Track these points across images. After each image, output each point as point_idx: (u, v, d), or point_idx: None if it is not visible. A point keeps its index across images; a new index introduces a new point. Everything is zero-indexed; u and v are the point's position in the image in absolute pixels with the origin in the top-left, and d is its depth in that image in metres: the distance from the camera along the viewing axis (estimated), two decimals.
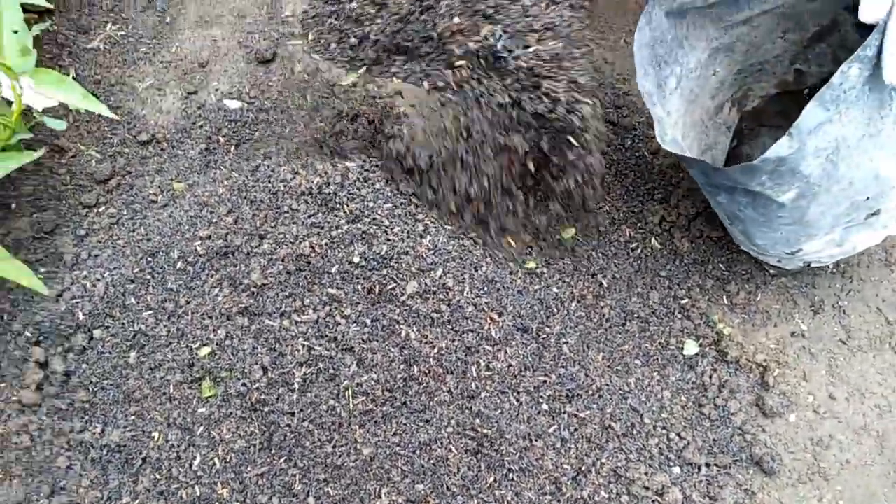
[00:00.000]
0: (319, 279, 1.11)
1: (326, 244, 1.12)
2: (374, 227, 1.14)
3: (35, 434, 1.15)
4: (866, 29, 1.26)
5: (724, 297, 1.36)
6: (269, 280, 1.12)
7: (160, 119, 1.57)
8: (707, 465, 1.19)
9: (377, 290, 1.11)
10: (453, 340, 1.11)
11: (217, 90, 1.62)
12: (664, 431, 1.20)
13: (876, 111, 1.04)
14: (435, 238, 1.16)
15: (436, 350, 1.09)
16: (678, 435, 1.19)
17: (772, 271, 1.37)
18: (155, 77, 1.64)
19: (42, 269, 1.33)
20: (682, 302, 1.33)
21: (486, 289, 1.16)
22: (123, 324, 1.20)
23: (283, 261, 1.13)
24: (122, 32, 1.69)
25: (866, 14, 1.01)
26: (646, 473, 1.15)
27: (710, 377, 1.27)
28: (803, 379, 1.28)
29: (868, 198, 1.15)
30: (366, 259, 1.11)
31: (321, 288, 1.11)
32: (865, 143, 1.06)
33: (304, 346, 1.08)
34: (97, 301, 1.24)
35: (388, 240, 1.13)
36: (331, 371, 1.08)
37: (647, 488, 1.14)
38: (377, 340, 1.09)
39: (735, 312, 1.34)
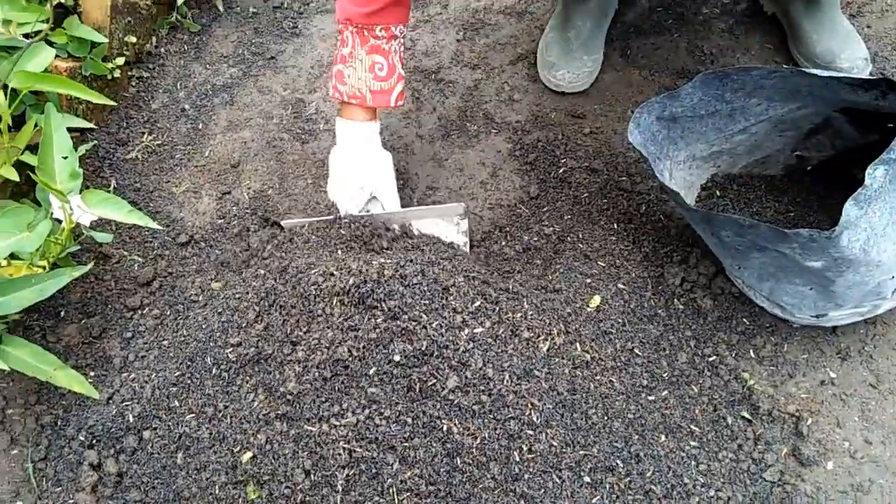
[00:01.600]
0: (357, 382, 1.15)
1: (364, 346, 1.17)
2: (413, 323, 1.19)
3: None
4: (859, 124, 1.37)
5: (751, 351, 1.38)
6: (304, 387, 1.16)
7: (197, 220, 1.67)
8: None
9: (417, 388, 1.14)
10: (495, 429, 1.14)
11: (249, 188, 1.72)
12: (704, 489, 1.21)
13: (895, 200, 1.14)
14: (473, 330, 1.21)
15: (478, 441, 1.12)
16: (717, 492, 1.21)
17: (796, 325, 1.40)
18: (190, 181, 1.74)
19: (92, 373, 1.40)
20: (710, 360, 1.36)
21: (523, 374, 1.20)
22: (169, 426, 1.26)
23: (318, 367, 1.17)
24: (158, 142, 1.82)
25: None
26: None
27: (745, 431, 1.28)
28: (837, 426, 1.29)
29: (894, 276, 1.22)
30: (405, 357, 1.15)
31: (359, 391, 1.15)
32: (890, 230, 1.15)
33: (345, 449, 1.11)
34: (145, 403, 1.30)
35: (428, 335, 1.17)
36: (374, 471, 1.11)
37: None
38: (419, 437, 1.12)
39: (763, 365, 1.37)
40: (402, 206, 1.55)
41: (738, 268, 1.35)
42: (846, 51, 1.73)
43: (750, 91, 1.38)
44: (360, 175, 1.49)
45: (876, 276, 1.20)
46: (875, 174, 1.08)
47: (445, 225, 1.52)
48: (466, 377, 1.15)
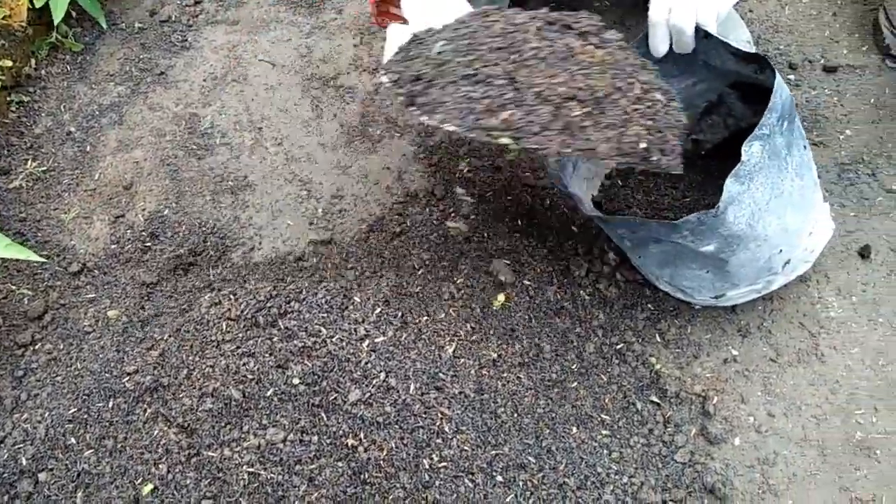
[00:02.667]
0: (256, 404, 1.12)
1: (259, 369, 1.13)
2: (312, 338, 1.16)
3: None
4: (750, 101, 1.41)
5: (657, 336, 1.41)
6: (201, 414, 1.13)
7: (90, 247, 1.59)
8: (663, 501, 1.21)
9: (319, 404, 1.12)
10: (402, 439, 1.12)
11: (144, 210, 1.65)
12: (617, 477, 1.22)
13: (776, 175, 1.18)
14: (374, 340, 1.18)
15: (385, 452, 1.10)
16: (631, 478, 1.22)
17: (697, 306, 1.43)
18: (80, 206, 1.67)
19: None
20: (618, 347, 1.38)
21: (429, 380, 1.18)
22: (67, 465, 1.20)
23: (212, 395, 1.13)
24: (43, 168, 1.73)
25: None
26: None
27: (655, 415, 1.31)
28: (742, 402, 1.33)
29: (781, 250, 1.27)
30: (304, 375, 1.12)
31: (259, 412, 1.12)
32: (773, 204, 1.19)
33: (248, 473, 1.08)
34: (39, 444, 1.24)
35: (328, 352, 1.14)
36: (280, 493, 1.08)
37: None
38: (324, 456, 1.09)
39: (669, 348, 1.39)
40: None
41: (639, 257, 1.37)
42: (731, 34, 1.77)
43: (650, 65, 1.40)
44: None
45: (765, 251, 1.24)
46: (751, 150, 1.11)
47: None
48: (369, 390, 1.13)
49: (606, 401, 1.30)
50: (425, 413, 1.15)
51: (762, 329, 1.40)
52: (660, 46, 1.15)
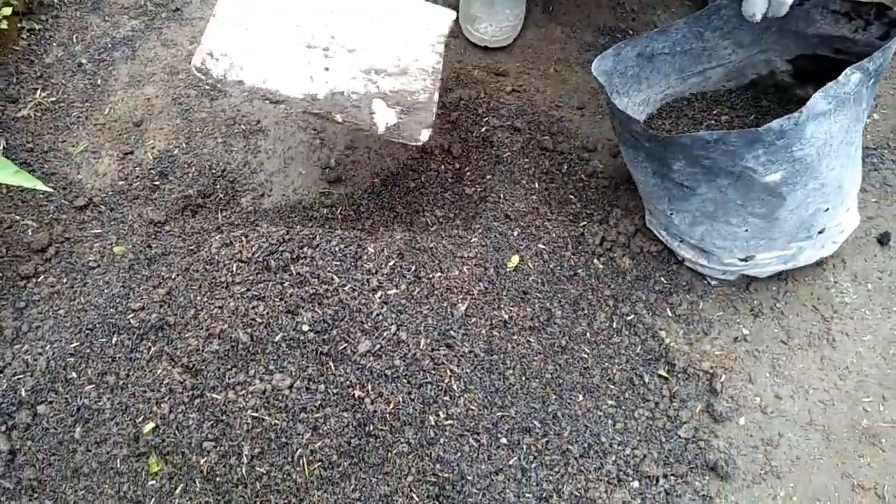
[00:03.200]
0: (263, 348, 1.09)
1: (268, 313, 1.11)
2: (324, 286, 1.14)
3: None
4: (803, 80, 1.38)
5: (668, 310, 1.39)
6: (207, 355, 1.10)
7: (97, 182, 1.56)
8: (664, 475, 1.21)
9: (327, 353, 1.10)
10: (409, 394, 1.11)
11: (153, 148, 1.62)
12: (620, 448, 1.22)
13: (853, 122, 1.16)
14: (386, 292, 1.16)
15: (391, 406, 1.08)
16: (633, 450, 1.21)
17: (713, 282, 1.41)
18: (89, 140, 1.63)
19: None
20: (628, 318, 1.36)
21: (440, 337, 1.16)
22: (67, 399, 1.18)
23: (219, 336, 1.11)
24: (53, 98, 1.69)
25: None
26: (605, 492, 1.17)
27: (661, 389, 1.29)
28: (749, 381, 1.32)
29: (827, 208, 1.25)
30: (314, 322, 1.10)
31: (266, 357, 1.09)
32: (842, 149, 1.17)
33: (252, 417, 1.06)
34: (39, 376, 1.22)
35: (339, 300, 1.12)
36: (283, 440, 1.06)
37: None
38: (330, 405, 1.07)
39: (679, 323, 1.38)
40: None
41: (670, 213, 1.34)
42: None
43: (728, 31, 1.38)
44: None
45: (817, 200, 1.22)
46: (851, 76, 1.08)
47: (416, 28, 1.25)
48: (379, 342, 1.11)
49: (614, 371, 1.29)
50: (434, 369, 1.13)
51: (775, 310, 1.39)
52: (757, 13, 1.18)
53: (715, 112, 1.49)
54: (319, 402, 1.07)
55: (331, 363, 1.09)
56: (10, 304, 1.37)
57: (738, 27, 1.38)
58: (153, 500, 1.08)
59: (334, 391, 1.08)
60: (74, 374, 1.21)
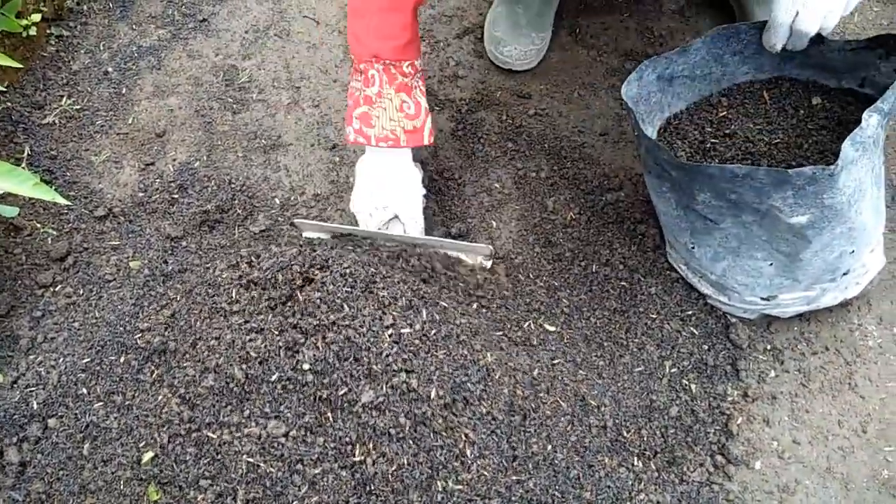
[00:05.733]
0: (259, 388, 1.05)
1: (266, 347, 1.07)
2: (332, 316, 1.09)
3: None
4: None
5: (688, 352, 1.36)
6: (202, 389, 1.07)
7: (117, 192, 1.57)
8: None
9: (326, 399, 1.04)
10: (415, 455, 1.04)
11: (175, 160, 1.62)
12: (634, 495, 1.19)
13: (877, 164, 1.16)
14: (399, 330, 1.09)
15: (395, 467, 1.03)
16: (648, 497, 1.19)
17: (731, 320, 1.38)
18: (111, 150, 1.64)
19: None
20: (657, 368, 1.34)
21: (454, 390, 1.09)
22: (76, 414, 1.18)
23: (214, 371, 1.07)
24: (78, 106, 1.70)
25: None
26: None
27: (677, 431, 1.27)
28: (766, 425, 1.29)
29: (853, 250, 1.22)
30: (314, 361, 1.05)
31: (261, 398, 1.05)
32: (868, 192, 1.16)
33: (247, 462, 1.03)
34: (51, 389, 1.22)
35: (346, 337, 1.07)
36: (278, 489, 1.03)
37: None
38: (327, 461, 1.02)
39: (695, 365, 1.35)
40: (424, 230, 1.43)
41: (692, 247, 1.32)
42: None
43: (748, 55, 1.35)
44: (385, 193, 1.37)
45: (843, 243, 1.20)
46: (870, 120, 1.06)
47: (467, 262, 1.40)
48: (385, 390, 1.03)
49: (629, 411, 1.26)
50: (446, 431, 1.06)
51: (795, 351, 1.36)
52: (777, 45, 1.20)
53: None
54: (317, 455, 1.02)
55: (329, 414, 1.03)
56: (27, 313, 1.38)
57: (757, 52, 1.35)
58: None
59: (332, 446, 1.03)
60: (84, 390, 1.21)
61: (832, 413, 1.29)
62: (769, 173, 1.07)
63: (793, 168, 1.05)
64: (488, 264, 1.39)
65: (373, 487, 1.02)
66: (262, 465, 1.02)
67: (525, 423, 1.14)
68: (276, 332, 1.06)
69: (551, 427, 1.15)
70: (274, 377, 1.05)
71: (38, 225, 1.51)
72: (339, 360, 1.05)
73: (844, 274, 1.27)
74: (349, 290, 1.12)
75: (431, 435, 1.04)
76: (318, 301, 1.09)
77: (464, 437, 1.06)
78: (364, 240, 1.39)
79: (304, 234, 1.44)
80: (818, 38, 1.20)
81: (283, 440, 1.02)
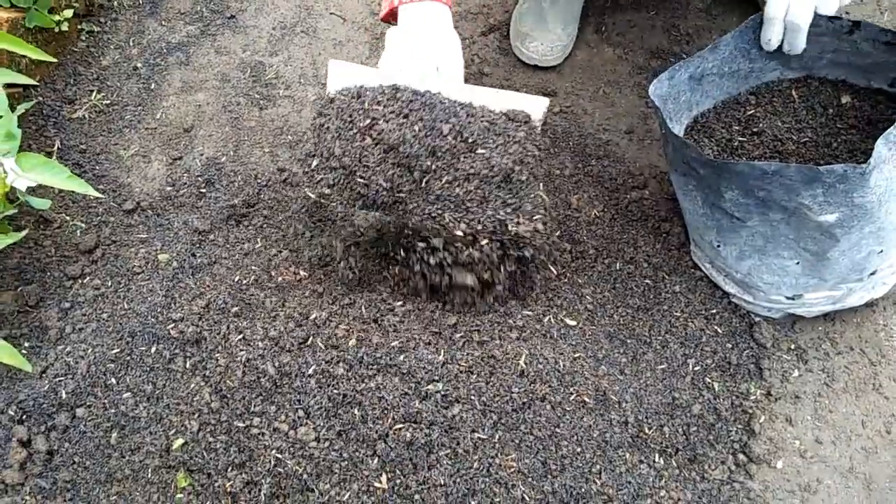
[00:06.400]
0: (291, 383, 1.08)
1: (295, 355, 1.10)
2: (361, 334, 1.11)
3: None
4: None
5: (711, 350, 1.36)
6: (234, 382, 1.10)
7: (145, 187, 1.59)
8: None
9: (354, 410, 1.07)
10: (454, 479, 1.07)
11: (202, 155, 1.64)
12: (655, 491, 1.19)
13: None
14: (435, 356, 1.13)
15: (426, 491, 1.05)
16: (669, 494, 1.19)
17: (756, 319, 1.37)
18: (140, 144, 1.66)
19: (26, 344, 1.33)
20: (679, 363, 1.34)
21: (494, 421, 1.13)
22: (105, 404, 1.21)
23: (246, 364, 1.10)
24: (107, 101, 1.73)
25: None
26: None
27: (699, 429, 1.26)
28: (789, 424, 1.28)
29: (882, 250, 1.21)
30: (349, 366, 1.08)
31: (293, 395, 1.08)
32: None
33: (275, 458, 1.05)
34: (80, 379, 1.24)
35: (369, 347, 1.09)
36: (302, 487, 1.05)
37: None
38: (355, 481, 1.05)
39: (719, 363, 1.34)
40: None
41: (717, 245, 1.31)
42: None
43: (776, 49, 1.33)
44: (426, 46, 1.25)
45: (871, 242, 1.19)
46: None
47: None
48: (415, 409, 1.08)
49: (654, 407, 1.26)
50: (476, 451, 1.09)
51: (819, 351, 1.35)
52: (773, 40, 1.21)
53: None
54: (345, 464, 1.05)
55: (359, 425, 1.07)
56: (55, 304, 1.40)
57: (787, 56, 1.35)
58: None
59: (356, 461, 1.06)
60: (114, 380, 1.23)
61: (856, 413, 1.29)
62: (800, 170, 1.07)
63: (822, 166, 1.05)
64: (541, 116, 1.28)
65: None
66: (289, 462, 1.03)
67: (544, 413, 1.15)
68: (305, 345, 1.08)
69: (574, 420, 1.16)
70: (312, 381, 1.07)
71: (68, 218, 1.53)
72: (374, 367, 1.08)
73: (872, 274, 1.26)
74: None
75: (468, 461, 1.07)
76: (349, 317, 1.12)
77: (501, 465, 1.09)
78: (403, 96, 1.21)
79: (332, 84, 1.30)
80: (855, 25, 1.20)
81: (309, 442, 1.05)
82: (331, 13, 1.90)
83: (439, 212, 1.14)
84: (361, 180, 1.14)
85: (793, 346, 1.35)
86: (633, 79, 1.74)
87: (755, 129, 1.40)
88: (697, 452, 1.23)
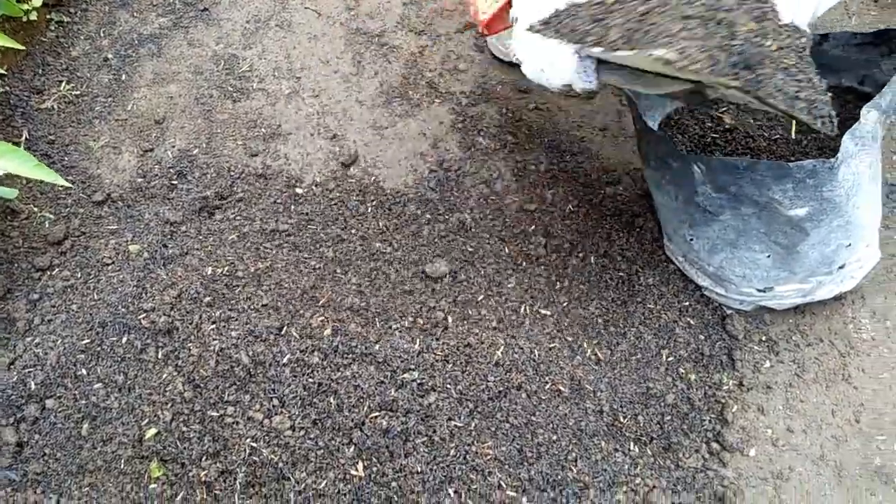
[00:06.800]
0: (265, 372, 1.07)
1: (270, 344, 1.08)
2: (344, 315, 1.10)
3: None
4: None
5: (683, 342, 1.37)
6: (207, 371, 1.08)
7: (115, 178, 1.57)
8: None
9: (330, 398, 1.06)
10: (427, 465, 1.06)
11: (174, 146, 1.62)
12: (630, 478, 1.20)
13: (874, 160, 1.16)
14: (410, 345, 1.12)
15: (405, 478, 1.04)
16: (644, 481, 1.20)
17: (728, 311, 1.39)
18: (110, 135, 1.64)
19: None
20: (655, 356, 1.35)
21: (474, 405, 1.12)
22: (76, 395, 1.18)
23: (219, 354, 1.09)
24: (77, 92, 1.70)
25: None
26: None
27: (673, 418, 1.28)
28: (761, 413, 1.30)
29: (850, 244, 1.24)
30: (324, 355, 1.07)
31: (267, 384, 1.07)
32: (866, 188, 1.17)
33: (249, 447, 1.04)
34: (49, 370, 1.22)
35: (345, 336, 1.08)
36: (278, 476, 1.04)
37: None
38: (331, 469, 1.04)
39: (692, 354, 1.36)
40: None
41: (690, 239, 1.33)
42: None
43: None
44: None
45: (840, 236, 1.21)
46: (869, 116, 1.08)
47: None
48: (395, 395, 1.07)
49: (631, 405, 1.27)
50: (459, 446, 1.09)
51: (790, 342, 1.37)
52: None
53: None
54: (320, 451, 1.04)
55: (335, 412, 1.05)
56: (23, 296, 1.37)
57: None
58: (156, 502, 1.08)
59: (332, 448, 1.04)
60: (84, 371, 1.21)
61: (826, 402, 1.31)
62: (771, 166, 1.09)
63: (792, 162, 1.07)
64: None
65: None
66: (264, 451, 1.02)
67: (520, 401, 1.15)
68: (278, 334, 1.06)
69: (549, 409, 1.16)
70: (285, 359, 1.05)
71: (36, 209, 1.50)
72: (349, 353, 1.07)
73: (840, 268, 1.29)
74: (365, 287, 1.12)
75: (446, 448, 1.07)
76: (331, 300, 1.10)
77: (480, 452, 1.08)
78: None
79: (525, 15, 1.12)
80: (823, 37, 1.22)
81: (284, 431, 1.03)
82: (305, 7, 1.89)
83: None
84: None
85: (764, 338, 1.37)
86: None
87: (727, 127, 1.42)
88: (672, 441, 1.24)
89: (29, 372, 1.23)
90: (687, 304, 1.40)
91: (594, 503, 1.15)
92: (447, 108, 1.72)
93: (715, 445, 1.26)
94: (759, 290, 1.33)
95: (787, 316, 1.39)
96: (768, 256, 1.27)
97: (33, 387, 1.21)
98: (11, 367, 1.26)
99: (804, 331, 1.38)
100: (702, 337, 1.36)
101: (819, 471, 1.24)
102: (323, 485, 1.03)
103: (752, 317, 1.39)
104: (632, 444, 1.22)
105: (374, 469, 1.05)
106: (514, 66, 1.78)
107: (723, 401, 1.30)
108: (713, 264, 1.34)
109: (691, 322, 1.38)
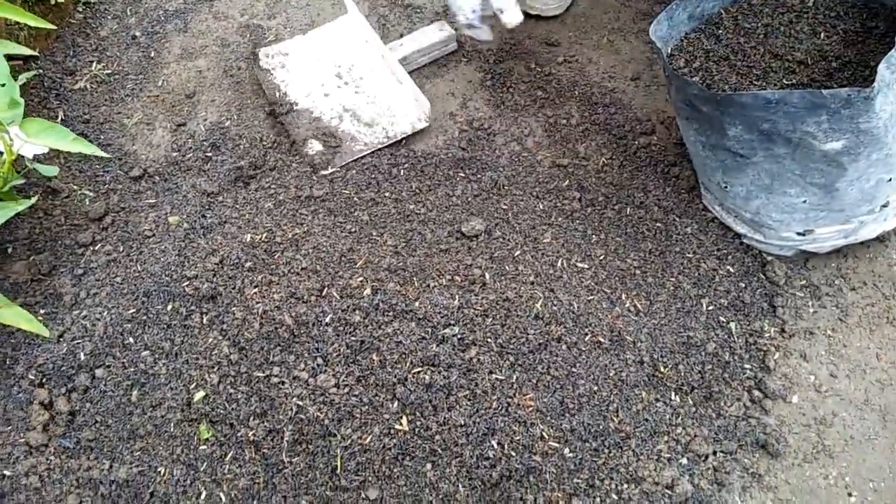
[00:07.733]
0: (309, 332, 1.09)
1: (312, 305, 1.10)
2: (382, 275, 1.11)
3: (44, 474, 1.16)
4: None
5: (724, 289, 1.36)
6: (251, 334, 1.11)
7: (151, 153, 1.59)
8: (714, 453, 1.19)
9: (373, 355, 1.09)
10: (471, 417, 1.08)
11: (206, 120, 1.64)
12: (671, 428, 1.20)
13: None
14: (450, 301, 1.14)
15: (445, 432, 1.07)
16: (686, 430, 1.20)
17: (768, 258, 1.37)
18: (143, 112, 1.66)
19: (42, 311, 1.34)
20: (691, 298, 1.34)
21: (506, 358, 1.13)
22: (124, 363, 1.22)
23: (262, 316, 1.11)
24: (108, 71, 1.72)
25: None
26: (655, 470, 1.16)
27: (714, 367, 1.27)
28: (804, 359, 1.29)
29: (891, 178, 1.20)
30: (365, 314, 1.09)
31: (312, 344, 1.09)
32: None
33: (296, 405, 1.07)
34: (97, 341, 1.25)
35: (385, 295, 1.10)
36: (324, 433, 1.07)
37: (657, 483, 1.14)
38: (376, 424, 1.07)
39: (733, 302, 1.35)
40: None
41: (725, 186, 1.31)
42: None
43: None
44: None
45: (880, 170, 1.18)
46: None
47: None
48: (437, 351, 1.10)
49: (672, 350, 1.27)
50: (501, 397, 1.10)
51: (832, 287, 1.35)
52: None
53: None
54: (365, 408, 1.07)
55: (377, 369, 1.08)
56: (68, 272, 1.41)
57: None
58: (205, 464, 1.11)
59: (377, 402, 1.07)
60: (131, 340, 1.24)
61: (870, 347, 1.29)
62: (804, 96, 1.06)
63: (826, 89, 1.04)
64: None
65: (420, 452, 1.05)
66: (310, 408, 1.05)
67: (560, 353, 1.16)
68: (329, 286, 1.09)
69: (590, 360, 1.17)
70: (328, 319, 1.08)
71: (75, 187, 1.53)
72: (390, 311, 1.10)
73: (884, 206, 1.26)
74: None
75: (486, 401, 1.09)
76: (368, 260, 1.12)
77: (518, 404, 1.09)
78: None
79: None
80: None
81: (329, 389, 1.06)
82: None
83: None
84: None
85: (806, 283, 1.35)
86: (637, 25, 1.72)
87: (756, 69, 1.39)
88: (713, 390, 1.24)
89: (78, 343, 1.27)
90: (726, 251, 1.38)
91: (636, 453, 1.16)
92: (475, 66, 1.70)
93: (757, 393, 1.25)
94: (799, 234, 1.31)
95: (829, 260, 1.37)
96: (804, 201, 1.24)
97: (83, 357, 1.25)
98: (61, 339, 1.30)
99: (847, 274, 1.36)
100: (742, 284, 1.35)
101: (863, 415, 1.23)
102: (368, 440, 1.05)
103: (794, 262, 1.37)
104: (673, 393, 1.22)
105: (418, 423, 1.07)
106: (541, 18, 1.75)
107: (764, 348, 1.29)
108: (750, 210, 1.32)
109: (731, 270, 1.36)
